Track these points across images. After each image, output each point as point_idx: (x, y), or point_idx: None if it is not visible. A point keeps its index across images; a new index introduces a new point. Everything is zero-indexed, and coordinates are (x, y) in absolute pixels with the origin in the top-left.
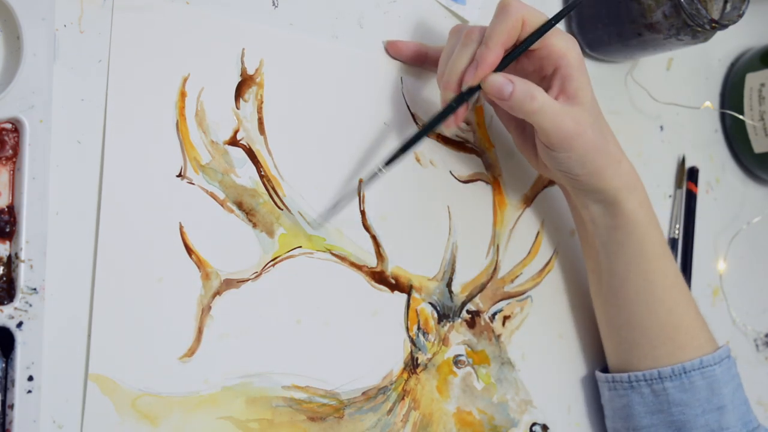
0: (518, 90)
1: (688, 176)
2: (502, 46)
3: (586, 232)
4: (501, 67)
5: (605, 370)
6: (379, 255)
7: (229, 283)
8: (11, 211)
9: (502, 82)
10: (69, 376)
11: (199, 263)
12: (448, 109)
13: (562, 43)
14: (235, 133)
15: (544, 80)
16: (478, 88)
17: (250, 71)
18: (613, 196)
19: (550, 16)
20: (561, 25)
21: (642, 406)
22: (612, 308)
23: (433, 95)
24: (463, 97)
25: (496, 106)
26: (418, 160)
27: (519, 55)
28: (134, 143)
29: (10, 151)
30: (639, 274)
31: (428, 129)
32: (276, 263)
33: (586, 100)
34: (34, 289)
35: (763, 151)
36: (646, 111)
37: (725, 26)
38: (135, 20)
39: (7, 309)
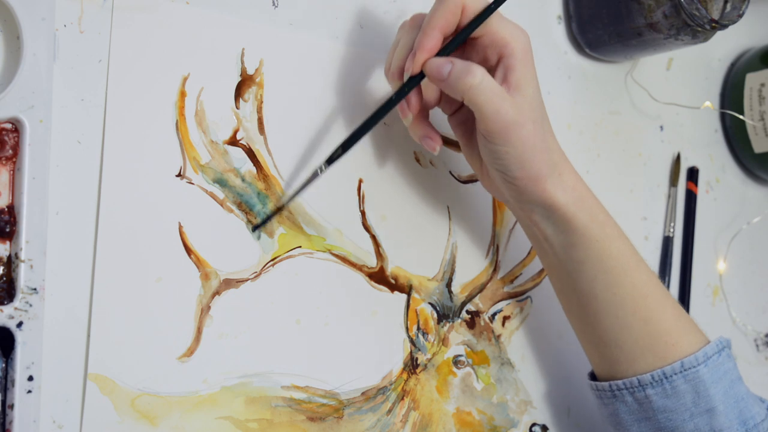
0: (457, 67)
1: (689, 176)
2: (439, 30)
3: (544, 252)
4: (443, 54)
5: (594, 375)
6: (379, 255)
7: (228, 283)
8: (11, 211)
9: (441, 62)
10: (69, 375)
11: (199, 263)
12: (390, 102)
13: (506, 31)
14: (235, 132)
15: (489, 71)
16: (423, 76)
17: (250, 71)
18: (561, 213)
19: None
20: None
21: (628, 414)
22: (586, 326)
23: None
24: (404, 87)
25: (451, 116)
26: (417, 160)
27: (461, 41)
28: (134, 143)
29: (10, 151)
30: (605, 289)
31: (368, 126)
32: (275, 263)
33: (528, 92)
34: (34, 289)
35: (763, 151)
36: (646, 111)
37: (725, 26)
38: (135, 20)
39: (7, 309)
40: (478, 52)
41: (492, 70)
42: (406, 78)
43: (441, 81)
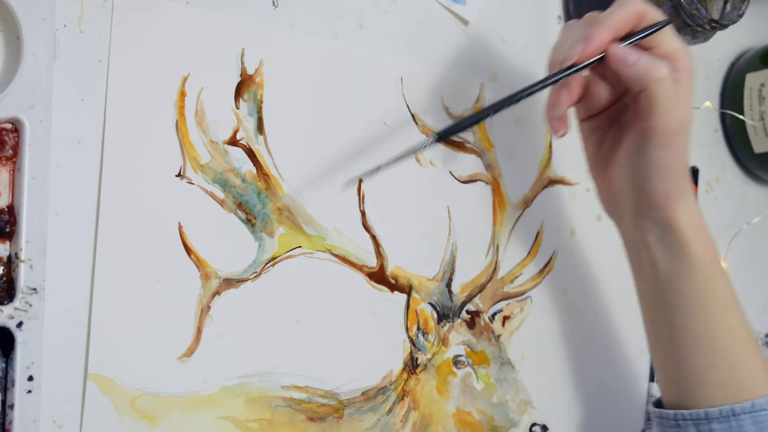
0: (646, 58)
1: None
2: (614, 29)
3: (645, 279)
4: None
5: (659, 403)
6: (379, 255)
7: (228, 283)
8: (11, 211)
9: (629, 49)
10: (69, 375)
11: (199, 263)
12: (542, 82)
13: (677, 45)
14: (235, 132)
15: None
16: (592, 62)
17: (250, 71)
18: (679, 236)
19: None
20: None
21: None
22: (670, 359)
23: (434, 95)
24: (577, 66)
25: (584, 120)
26: (417, 160)
27: (641, 39)
28: (134, 143)
29: (10, 151)
30: (700, 327)
31: (510, 101)
32: (275, 263)
33: (688, 108)
34: (34, 289)
35: (763, 151)
36: None
37: (725, 26)
38: (135, 20)
39: (7, 309)
40: None
41: None
42: (569, 63)
43: (625, 66)
